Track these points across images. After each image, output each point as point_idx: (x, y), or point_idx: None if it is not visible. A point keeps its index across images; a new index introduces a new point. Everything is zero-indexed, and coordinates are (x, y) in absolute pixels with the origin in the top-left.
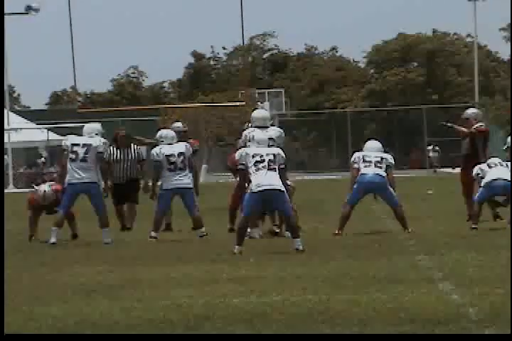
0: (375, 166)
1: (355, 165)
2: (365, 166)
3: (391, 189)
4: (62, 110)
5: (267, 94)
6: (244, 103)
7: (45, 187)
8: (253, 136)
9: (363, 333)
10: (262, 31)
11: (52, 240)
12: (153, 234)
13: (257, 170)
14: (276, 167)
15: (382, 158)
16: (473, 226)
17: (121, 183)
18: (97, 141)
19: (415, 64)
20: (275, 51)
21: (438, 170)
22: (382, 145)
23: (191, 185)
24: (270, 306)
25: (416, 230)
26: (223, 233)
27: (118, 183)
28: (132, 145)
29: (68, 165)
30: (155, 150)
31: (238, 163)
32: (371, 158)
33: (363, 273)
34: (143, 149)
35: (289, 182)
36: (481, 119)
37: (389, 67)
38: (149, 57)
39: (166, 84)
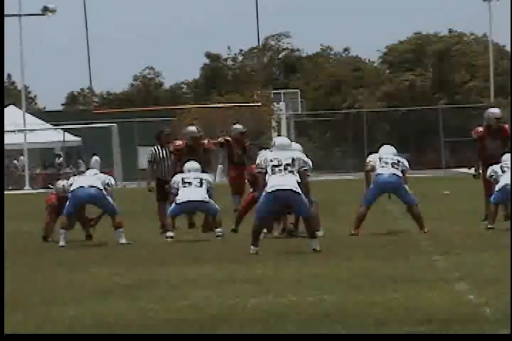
0: (392, 167)
1: (371, 163)
2: (382, 166)
3: (407, 187)
4: (78, 111)
5: (282, 94)
6: (260, 104)
7: (63, 182)
8: (274, 142)
9: (379, 333)
10: (277, 31)
11: (61, 243)
12: (169, 233)
13: (273, 173)
14: (295, 170)
15: (398, 161)
16: (490, 227)
17: (166, 180)
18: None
19: (428, 65)
20: (290, 51)
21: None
22: (397, 150)
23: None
24: (286, 306)
25: (432, 230)
26: (240, 233)
27: (163, 180)
28: None
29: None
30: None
31: (257, 168)
32: (388, 159)
33: (380, 273)
34: None
35: (306, 179)
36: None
37: (402, 68)
38: (165, 57)
39: (183, 85)
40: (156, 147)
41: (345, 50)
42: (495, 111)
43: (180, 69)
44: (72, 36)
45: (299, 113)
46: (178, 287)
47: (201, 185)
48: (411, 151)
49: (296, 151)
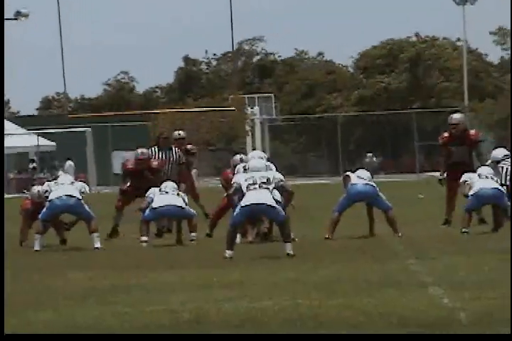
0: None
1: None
2: (358, 177)
3: (381, 194)
4: (53, 115)
5: (256, 98)
6: (234, 108)
7: (38, 188)
8: (248, 165)
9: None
10: (251, 36)
11: (36, 248)
12: (143, 238)
13: (248, 190)
14: (270, 187)
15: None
16: (464, 230)
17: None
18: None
19: (401, 69)
20: (264, 56)
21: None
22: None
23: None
24: (261, 311)
25: (407, 234)
26: (215, 238)
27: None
28: (173, 147)
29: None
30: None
31: (232, 181)
32: (364, 176)
33: (354, 277)
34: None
35: (289, 188)
36: (466, 125)
37: (375, 72)
38: (139, 62)
39: (157, 90)
40: (153, 149)
41: (320, 54)
42: (453, 116)
43: (154, 73)
44: (47, 40)
45: (273, 117)
46: (153, 291)
47: (178, 195)
48: (385, 155)
49: (270, 172)
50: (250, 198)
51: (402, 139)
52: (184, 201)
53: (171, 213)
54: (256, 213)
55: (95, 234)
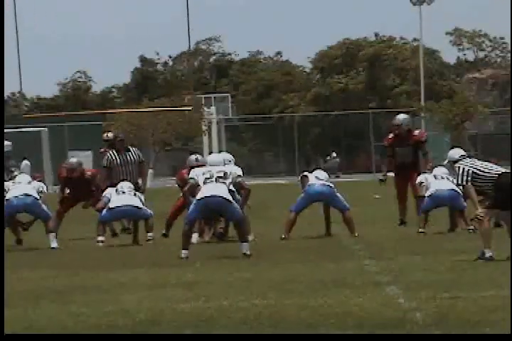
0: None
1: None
2: (315, 177)
3: (339, 195)
4: (8, 115)
5: (213, 98)
6: (190, 108)
7: None
8: (207, 160)
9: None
10: (208, 36)
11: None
12: (100, 238)
13: (205, 183)
14: (227, 182)
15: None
16: (421, 230)
17: None
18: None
19: (359, 69)
20: (220, 55)
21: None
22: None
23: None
24: (217, 311)
25: (363, 234)
26: (170, 238)
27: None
28: (131, 148)
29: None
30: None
31: (188, 178)
32: (322, 177)
33: (310, 277)
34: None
35: (246, 185)
36: (410, 125)
37: (333, 73)
38: (96, 61)
39: (114, 89)
40: (111, 153)
41: (278, 53)
42: (396, 117)
43: (110, 73)
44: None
45: (230, 117)
46: (109, 291)
47: (134, 195)
48: (342, 155)
49: (228, 166)
50: (206, 191)
51: (358, 139)
52: (141, 201)
53: (128, 213)
54: (212, 207)
55: (52, 234)
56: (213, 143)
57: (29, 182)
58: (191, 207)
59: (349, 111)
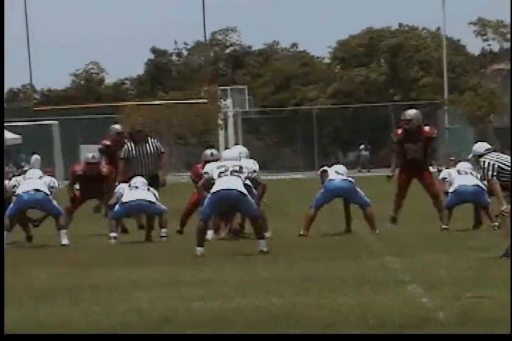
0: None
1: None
2: (336, 173)
3: (360, 190)
4: (18, 108)
5: (229, 91)
6: (206, 101)
7: (5, 182)
8: (223, 155)
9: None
10: (224, 26)
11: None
12: (112, 234)
13: (219, 177)
14: (242, 176)
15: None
16: (445, 227)
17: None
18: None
19: (380, 60)
20: (237, 46)
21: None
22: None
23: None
24: (233, 310)
25: (384, 231)
26: (185, 234)
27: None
28: (150, 139)
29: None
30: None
31: (203, 172)
32: (341, 171)
33: (330, 275)
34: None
35: (261, 181)
36: (421, 122)
37: (354, 63)
38: (109, 53)
39: (127, 81)
40: (129, 144)
41: (293, 45)
42: (406, 112)
43: (123, 65)
44: (12, 30)
45: (247, 110)
46: (121, 290)
47: (148, 190)
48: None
49: (244, 160)
50: (220, 185)
51: (379, 133)
52: (155, 196)
53: (141, 208)
54: (226, 201)
55: (63, 231)
56: (229, 137)
57: (40, 177)
58: (205, 202)
59: (370, 104)
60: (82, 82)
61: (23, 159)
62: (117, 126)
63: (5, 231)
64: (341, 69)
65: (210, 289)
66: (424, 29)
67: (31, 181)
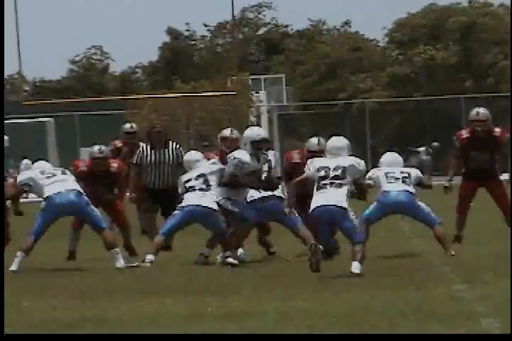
0: (403, 182)
1: (370, 182)
2: (389, 182)
3: (423, 204)
4: (5, 102)
5: (262, 80)
6: (234, 92)
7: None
8: (327, 144)
9: None
10: (257, 2)
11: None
12: (150, 257)
13: (319, 188)
14: (346, 182)
15: (408, 174)
16: None
17: (155, 190)
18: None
19: (449, 42)
20: (272, 27)
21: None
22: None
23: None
24: None
25: (455, 252)
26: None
27: (151, 189)
28: (171, 143)
29: None
30: None
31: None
32: (396, 174)
33: (387, 307)
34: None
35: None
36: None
37: (415, 47)
38: (114, 36)
39: (138, 70)
40: (144, 147)
41: (346, 23)
42: (479, 111)
43: (133, 50)
44: None
45: (284, 104)
46: (131, 325)
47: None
48: (426, 152)
49: (348, 158)
50: (318, 200)
51: (447, 131)
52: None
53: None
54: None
55: (114, 251)
56: None
57: (63, 173)
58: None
59: (434, 97)
60: (82, 70)
61: (10, 165)
62: (127, 125)
63: (21, 253)
64: (400, 55)
65: (240, 323)
66: (502, 5)
67: (59, 178)
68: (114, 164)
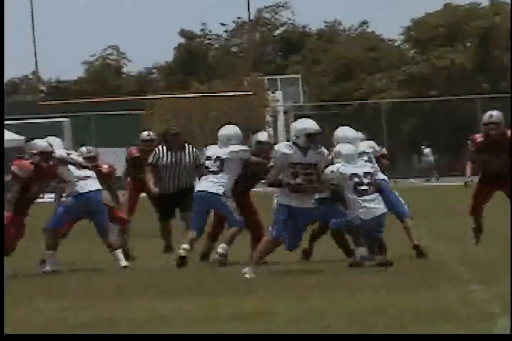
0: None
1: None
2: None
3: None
4: (20, 102)
5: (279, 81)
6: (251, 92)
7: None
8: (339, 151)
9: None
10: (273, 2)
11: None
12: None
13: (361, 195)
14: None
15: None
16: None
17: (170, 193)
18: None
19: (466, 44)
20: (289, 27)
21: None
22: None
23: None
24: None
25: (468, 253)
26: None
27: (165, 193)
28: (188, 146)
29: None
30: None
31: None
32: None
33: (401, 308)
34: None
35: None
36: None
37: (432, 47)
38: (130, 36)
39: (154, 70)
40: (160, 148)
41: (364, 23)
42: (493, 113)
43: (149, 50)
44: (15, 11)
45: (301, 104)
46: (144, 327)
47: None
48: (443, 153)
49: (368, 163)
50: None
51: (464, 132)
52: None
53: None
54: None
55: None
56: (279, 138)
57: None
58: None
59: (451, 97)
60: (98, 70)
61: None
62: (145, 133)
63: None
64: (416, 54)
65: (254, 324)
66: None
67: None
68: (105, 165)
